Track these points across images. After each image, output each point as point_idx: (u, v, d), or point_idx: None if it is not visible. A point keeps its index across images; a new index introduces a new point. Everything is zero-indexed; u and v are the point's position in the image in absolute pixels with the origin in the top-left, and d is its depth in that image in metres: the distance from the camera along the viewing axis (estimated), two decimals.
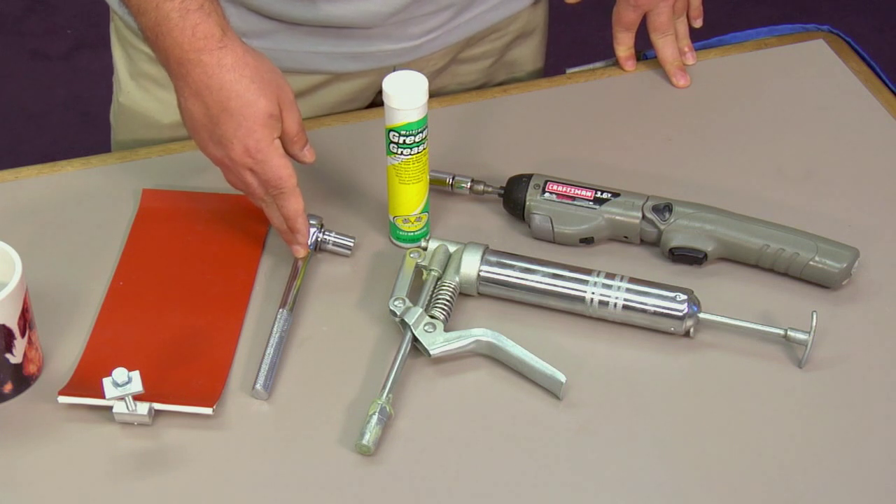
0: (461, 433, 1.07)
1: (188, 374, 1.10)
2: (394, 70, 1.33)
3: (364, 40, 1.31)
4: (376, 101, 1.40)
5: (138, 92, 1.38)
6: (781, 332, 1.11)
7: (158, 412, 1.07)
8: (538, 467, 1.05)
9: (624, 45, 1.43)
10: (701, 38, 1.45)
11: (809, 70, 1.42)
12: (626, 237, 1.21)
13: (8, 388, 1.08)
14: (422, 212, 1.20)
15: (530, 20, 1.44)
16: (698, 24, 1.43)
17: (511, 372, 1.11)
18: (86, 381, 1.08)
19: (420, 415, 1.08)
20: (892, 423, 1.08)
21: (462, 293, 1.17)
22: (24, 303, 1.07)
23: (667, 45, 1.41)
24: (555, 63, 1.51)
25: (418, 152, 1.15)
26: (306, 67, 1.33)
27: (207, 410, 1.06)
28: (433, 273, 1.16)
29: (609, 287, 1.13)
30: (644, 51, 1.44)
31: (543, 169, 1.25)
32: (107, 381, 1.03)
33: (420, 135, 1.14)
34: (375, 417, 1.05)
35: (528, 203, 1.21)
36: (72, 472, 1.04)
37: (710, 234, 1.18)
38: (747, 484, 1.04)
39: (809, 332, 1.10)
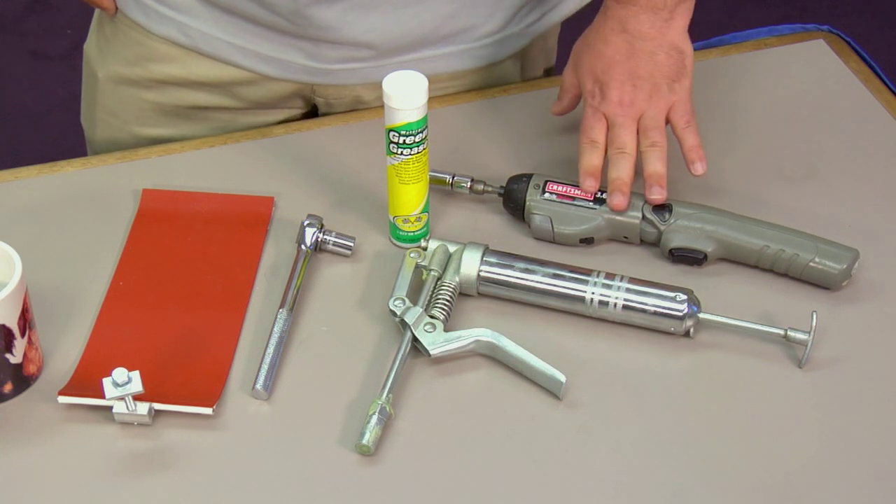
0: (461, 433, 1.07)
1: (188, 374, 1.10)
2: (312, 90, 1.35)
3: (277, 45, 1.31)
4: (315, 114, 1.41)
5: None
6: (781, 332, 1.11)
7: (158, 412, 1.07)
8: (538, 467, 1.05)
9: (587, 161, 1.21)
10: (701, 38, 1.45)
11: (809, 70, 1.42)
12: (626, 237, 1.21)
13: (8, 388, 1.08)
14: (422, 212, 1.20)
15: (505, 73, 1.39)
16: (696, 169, 1.20)
17: (511, 372, 1.11)
18: (86, 381, 1.08)
19: (420, 415, 1.08)
20: (892, 423, 1.08)
21: (462, 293, 1.17)
22: (24, 303, 1.07)
23: (614, 165, 1.20)
24: (555, 63, 1.50)
25: (418, 152, 1.15)
26: (221, 56, 1.33)
27: (207, 410, 1.06)
28: (433, 273, 1.16)
29: (609, 287, 1.13)
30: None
31: (543, 169, 1.25)
32: (107, 381, 1.03)
33: (420, 135, 1.14)
34: (375, 417, 1.05)
35: (528, 203, 1.21)
36: (72, 472, 1.04)
37: (710, 234, 1.18)
38: (747, 484, 1.04)
39: (809, 332, 1.10)
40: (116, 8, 1.36)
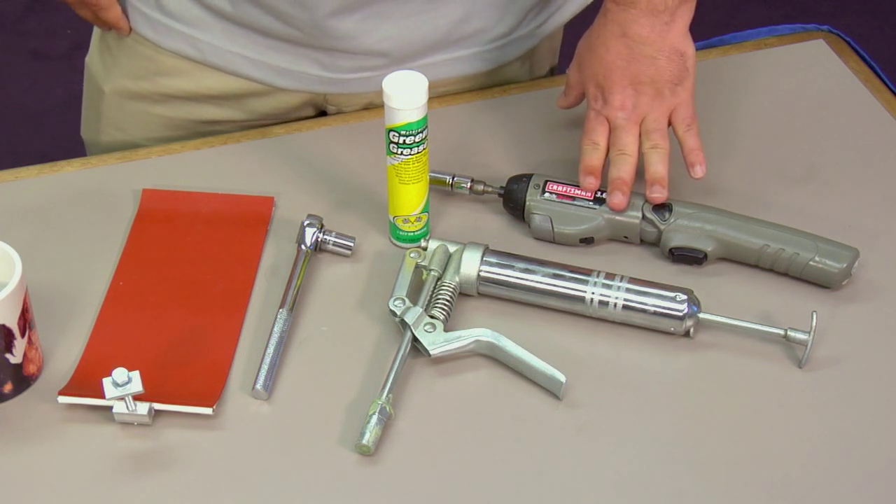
0: (461, 433, 1.07)
1: (188, 374, 1.10)
2: (324, 98, 1.35)
3: (291, 57, 1.31)
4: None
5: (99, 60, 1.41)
6: (781, 332, 1.11)
7: (158, 412, 1.07)
8: (538, 467, 1.05)
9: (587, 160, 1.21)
10: (701, 38, 1.45)
11: (809, 70, 1.42)
12: (626, 237, 1.21)
13: (8, 388, 1.08)
14: (422, 212, 1.20)
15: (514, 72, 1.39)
16: (696, 171, 1.20)
17: (511, 372, 1.11)
18: (86, 381, 1.08)
19: (420, 415, 1.08)
20: (892, 423, 1.08)
21: (462, 293, 1.17)
22: (24, 303, 1.07)
23: (615, 165, 1.20)
24: (558, 61, 1.50)
25: (418, 152, 1.15)
26: (233, 69, 1.33)
27: (207, 410, 1.06)
28: (433, 273, 1.16)
29: (609, 287, 1.13)
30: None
31: (543, 169, 1.25)
32: (107, 381, 1.03)
33: (420, 135, 1.14)
34: (375, 417, 1.05)
35: (528, 203, 1.21)
36: (72, 472, 1.04)
37: (710, 234, 1.18)
38: (747, 484, 1.04)
39: (809, 332, 1.10)
40: (130, 28, 1.35)
